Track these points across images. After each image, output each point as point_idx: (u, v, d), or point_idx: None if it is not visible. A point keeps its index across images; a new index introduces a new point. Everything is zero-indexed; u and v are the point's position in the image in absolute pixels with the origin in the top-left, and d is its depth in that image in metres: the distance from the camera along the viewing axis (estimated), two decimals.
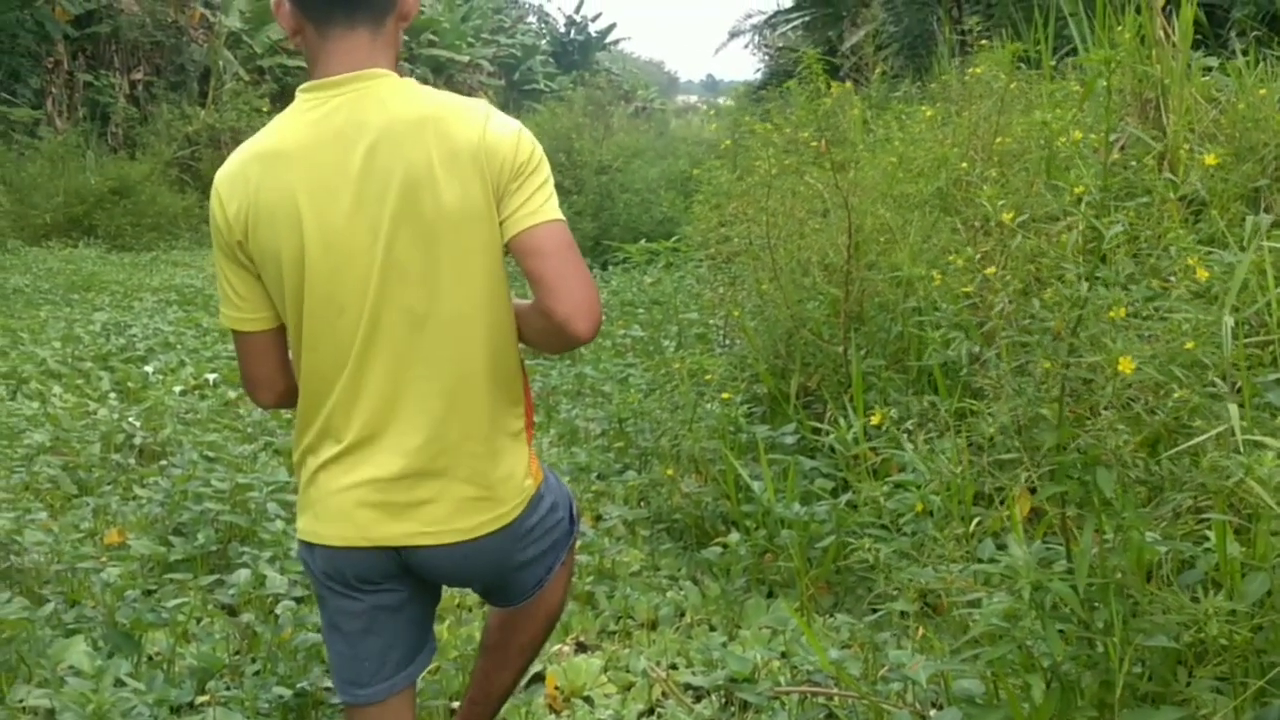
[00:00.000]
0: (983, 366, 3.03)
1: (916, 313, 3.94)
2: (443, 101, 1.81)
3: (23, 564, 3.59)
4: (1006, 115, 4.35)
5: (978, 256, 3.92)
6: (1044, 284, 3.34)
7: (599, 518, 4.24)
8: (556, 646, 3.25)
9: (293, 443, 1.96)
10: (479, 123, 1.78)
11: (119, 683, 2.70)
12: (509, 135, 1.79)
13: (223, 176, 1.83)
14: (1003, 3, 12.50)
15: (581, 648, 3.30)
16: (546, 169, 1.83)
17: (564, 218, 1.83)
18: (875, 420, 2.52)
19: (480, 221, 1.77)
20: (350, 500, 1.85)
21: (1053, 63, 5.12)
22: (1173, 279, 2.31)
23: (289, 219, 1.76)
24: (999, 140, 4.17)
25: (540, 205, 1.78)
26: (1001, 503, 3.11)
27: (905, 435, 2.95)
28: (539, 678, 3.03)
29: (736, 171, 5.11)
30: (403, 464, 1.83)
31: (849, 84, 4.95)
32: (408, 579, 1.94)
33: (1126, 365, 1.81)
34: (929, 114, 4.72)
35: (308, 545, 1.94)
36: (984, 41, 5.42)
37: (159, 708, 2.64)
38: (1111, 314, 1.86)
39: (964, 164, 4.05)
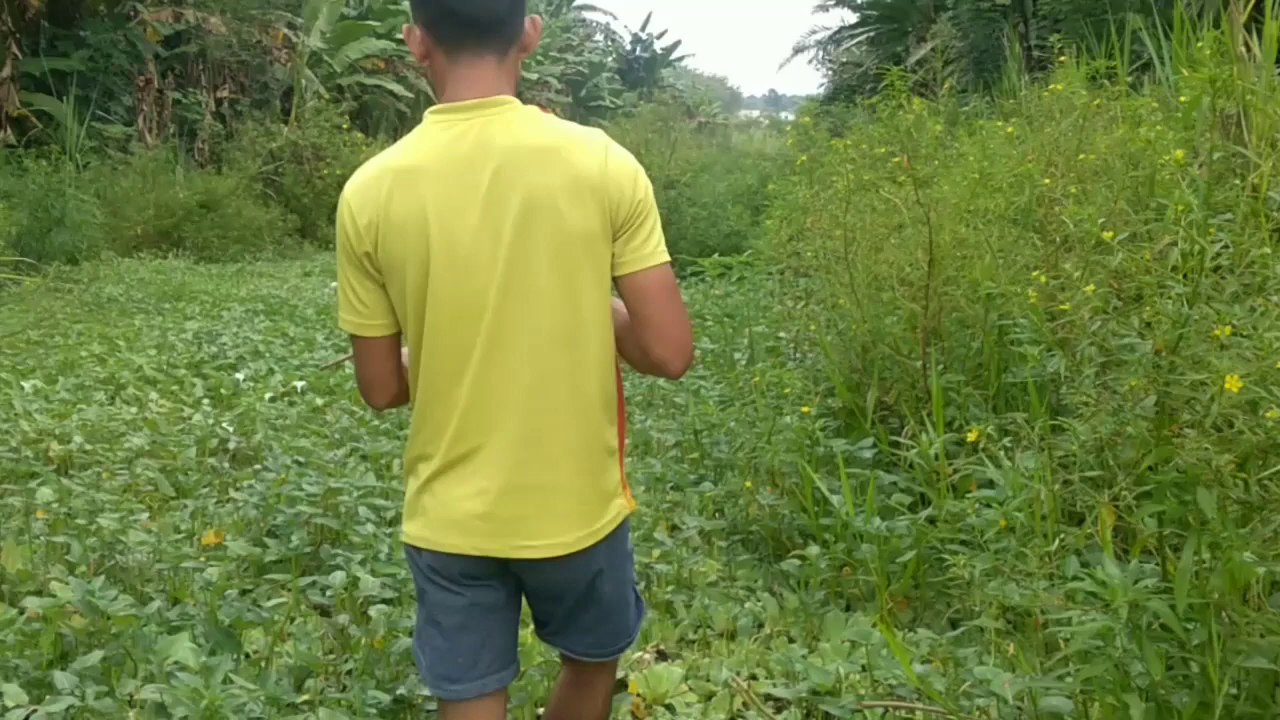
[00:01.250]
0: (1071, 383, 3.04)
1: (998, 329, 3.95)
2: (566, 131, 1.89)
3: (127, 563, 3.73)
4: (1088, 132, 4.35)
5: (1059, 274, 3.94)
6: (1126, 301, 3.34)
7: (675, 527, 4.30)
8: (638, 654, 3.32)
9: (406, 448, 2.04)
10: (600, 154, 1.86)
11: (226, 679, 2.79)
12: (629, 171, 1.88)
13: (353, 190, 1.91)
14: (1071, 18, 12.40)
15: (662, 655, 3.35)
16: (654, 208, 1.92)
17: (669, 258, 1.92)
18: (971, 437, 2.54)
19: (596, 246, 1.86)
20: (460, 511, 1.92)
21: (1129, 79, 5.11)
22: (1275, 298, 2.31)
23: (418, 232, 1.84)
24: (1081, 157, 4.17)
25: (652, 249, 1.88)
26: (1081, 521, 3.12)
27: (985, 452, 2.98)
28: (622, 684, 3.09)
29: (814, 187, 5.14)
30: (511, 477, 1.89)
31: (919, 100, 4.94)
32: (509, 579, 2.02)
33: (1234, 384, 1.82)
34: (1009, 130, 4.72)
35: (415, 548, 2.01)
36: (1062, 59, 5.40)
37: (270, 706, 2.72)
38: (1216, 332, 1.87)
39: (1046, 180, 4.05)
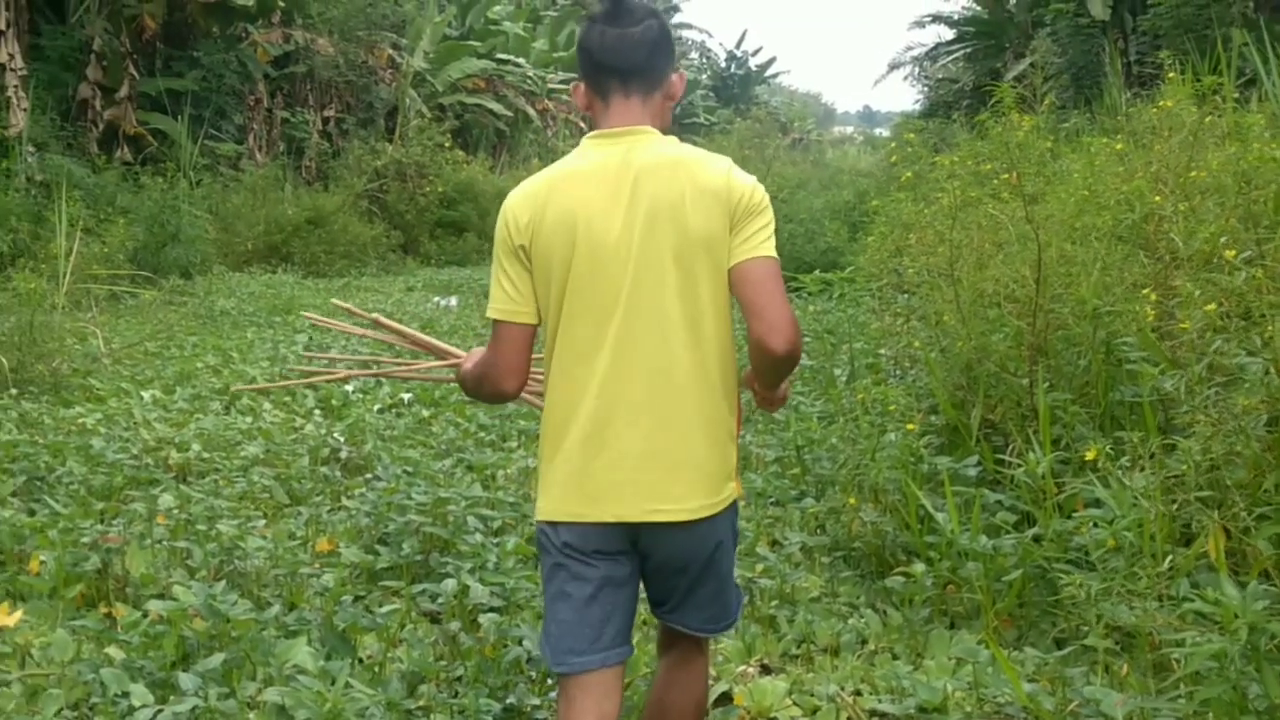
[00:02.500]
0: (1183, 402, 3.00)
1: (1106, 347, 3.91)
2: (694, 151, 2.25)
3: (245, 568, 3.86)
4: (1197, 149, 4.28)
5: (1169, 292, 3.89)
6: (1236, 320, 3.29)
7: (776, 543, 4.32)
8: (741, 667, 3.34)
9: (541, 432, 2.28)
10: (724, 169, 2.20)
11: (345, 684, 2.88)
12: (748, 182, 2.20)
13: (517, 194, 2.26)
14: (1172, 33, 12.15)
15: (766, 669, 3.37)
16: (770, 214, 2.19)
17: (777, 256, 2.17)
18: (1090, 455, 2.53)
19: (715, 245, 2.16)
20: (598, 481, 2.16)
21: (1234, 95, 5.01)
22: None
23: (567, 231, 2.17)
24: (1193, 174, 4.11)
25: (759, 243, 2.16)
26: (1189, 542, 3.08)
27: (1098, 471, 2.95)
28: (728, 697, 3.13)
29: (919, 204, 5.13)
30: (644, 446, 2.15)
31: (1029, 117, 4.90)
32: (634, 557, 2.23)
33: None
34: (1119, 148, 4.66)
35: (550, 524, 2.22)
36: (1170, 74, 5.32)
37: (389, 711, 2.80)
38: None
39: (1157, 198, 4.00)
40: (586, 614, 2.20)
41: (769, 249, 2.16)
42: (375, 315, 3.20)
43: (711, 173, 2.18)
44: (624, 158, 2.19)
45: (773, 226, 2.18)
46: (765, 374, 2.24)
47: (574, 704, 2.23)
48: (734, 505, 2.26)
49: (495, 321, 2.26)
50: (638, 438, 2.14)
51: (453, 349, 2.92)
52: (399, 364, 3.60)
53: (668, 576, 2.28)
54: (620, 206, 2.16)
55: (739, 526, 2.37)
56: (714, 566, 2.26)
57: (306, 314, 4.02)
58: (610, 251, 2.15)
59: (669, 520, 2.15)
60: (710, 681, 3.21)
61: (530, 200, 2.21)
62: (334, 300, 3.83)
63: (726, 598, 2.35)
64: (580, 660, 2.21)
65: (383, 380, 7.43)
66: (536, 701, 2.96)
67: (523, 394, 2.39)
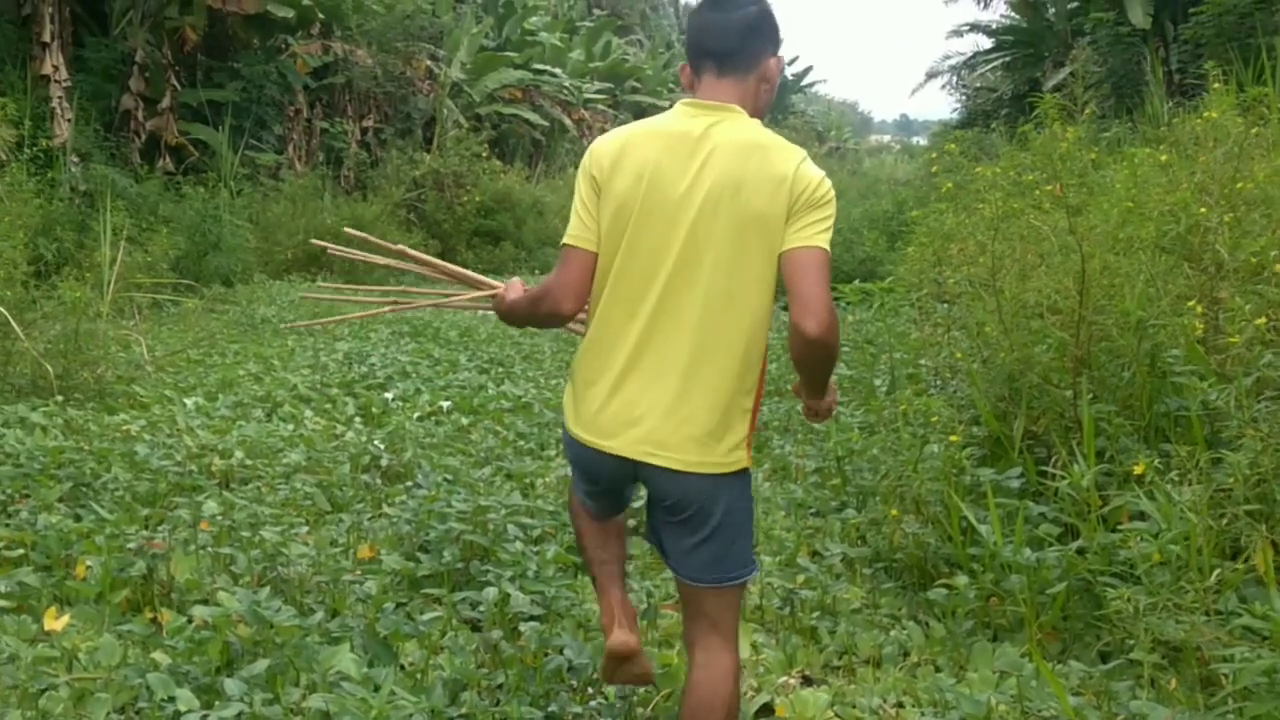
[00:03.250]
0: (1229, 415, 2.97)
1: (1151, 359, 3.87)
2: (773, 137, 2.38)
3: (288, 574, 3.89)
4: (1243, 159, 4.24)
5: (1214, 304, 3.85)
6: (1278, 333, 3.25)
7: (816, 553, 4.31)
8: (783, 679, 3.33)
9: (577, 357, 2.51)
10: (796, 159, 2.33)
11: (390, 692, 2.89)
12: (815, 175, 2.32)
13: (605, 138, 2.48)
14: (1213, 43, 12.03)
15: (807, 681, 3.36)
16: (831, 210, 2.32)
17: (827, 249, 2.29)
18: (1138, 470, 2.51)
19: (772, 228, 2.29)
20: (612, 416, 2.40)
21: None
22: None
23: (637, 178, 2.35)
24: (1239, 185, 4.06)
25: (814, 234, 2.28)
26: (1236, 555, 3.04)
27: (1147, 484, 2.92)
28: (769, 709, 3.12)
29: (960, 214, 5.11)
30: (658, 399, 2.36)
31: (1074, 128, 4.86)
32: (629, 485, 2.57)
33: None
34: (1164, 159, 4.62)
35: (571, 435, 2.51)
36: (1216, 84, 5.27)
37: (434, 718, 2.81)
38: None
39: (1202, 209, 3.96)
40: (585, 488, 2.66)
41: (822, 240, 2.28)
42: (400, 246, 3.14)
43: (782, 160, 2.31)
44: (706, 130, 2.35)
45: (831, 221, 2.31)
46: (801, 364, 2.37)
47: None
48: (742, 474, 2.44)
49: (565, 246, 2.45)
50: (657, 390, 2.36)
51: (486, 279, 2.96)
52: (434, 294, 3.48)
53: (664, 517, 2.50)
54: (689, 173, 2.32)
55: (752, 496, 2.53)
56: (705, 518, 2.43)
57: (318, 242, 3.76)
58: (670, 212, 2.33)
59: (661, 465, 2.37)
60: (751, 693, 3.21)
61: (614, 142, 2.43)
62: (348, 229, 3.69)
63: (719, 553, 2.46)
64: (584, 501, 2.72)
65: (421, 388, 7.49)
66: (578, 710, 2.97)
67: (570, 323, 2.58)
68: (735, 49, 2.40)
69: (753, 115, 2.41)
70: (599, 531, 2.79)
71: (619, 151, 2.39)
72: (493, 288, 2.86)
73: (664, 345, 2.35)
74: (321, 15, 19.02)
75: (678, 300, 2.34)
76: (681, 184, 2.32)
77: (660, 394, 2.36)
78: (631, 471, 2.45)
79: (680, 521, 2.46)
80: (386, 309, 3.54)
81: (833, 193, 2.33)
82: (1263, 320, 2.65)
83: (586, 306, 2.51)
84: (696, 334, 2.33)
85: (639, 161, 2.36)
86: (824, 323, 2.22)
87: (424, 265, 3.11)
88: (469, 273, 3.04)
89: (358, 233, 3.42)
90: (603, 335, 2.42)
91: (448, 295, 3.20)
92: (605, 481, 2.58)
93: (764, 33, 2.43)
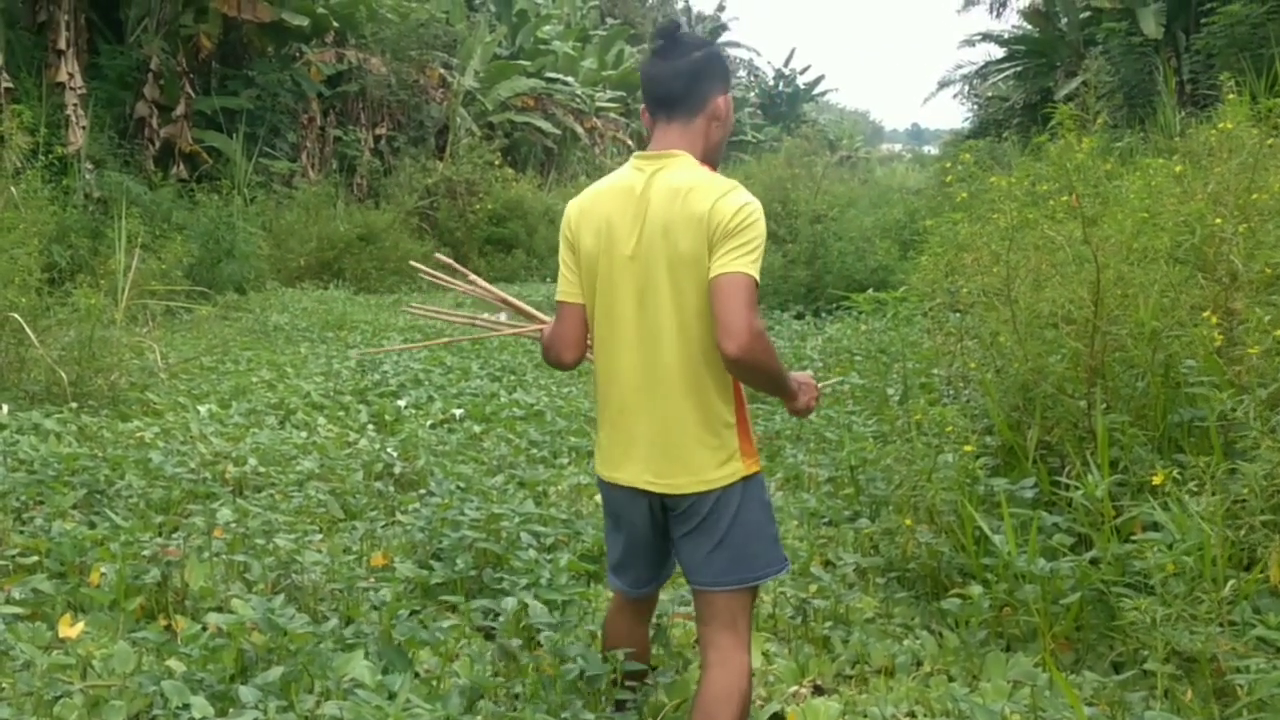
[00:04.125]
0: (1244, 425, 2.96)
1: (1165, 369, 3.86)
2: (700, 178, 2.53)
3: (301, 582, 3.89)
4: (1258, 171, 4.23)
5: (1229, 315, 3.84)
6: None
7: (829, 563, 4.30)
8: (794, 688, 3.33)
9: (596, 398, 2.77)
10: (714, 195, 2.48)
11: (405, 700, 2.89)
12: (733, 206, 2.46)
13: (573, 201, 2.73)
14: (1225, 52, 12.01)
15: (819, 690, 3.35)
16: (752, 235, 2.45)
17: (745, 271, 2.42)
18: (1157, 480, 2.51)
19: (700, 264, 2.48)
20: (616, 452, 2.66)
21: None
22: None
23: (597, 234, 2.61)
24: (1254, 196, 4.06)
25: (730, 260, 2.43)
26: (1250, 566, 3.03)
27: (1163, 495, 2.91)
28: (780, 718, 3.11)
29: (974, 223, 5.10)
30: (647, 433, 2.59)
31: (1089, 139, 4.86)
32: (652, 517, 2.68)
33: None
34: (1179, 170, 4.61)
35: (598, 477, 2.76)
36: (1230, 95, 5.26)
37: None
38: None
39: (1217, 220, 3.95)
40: (618, 554, 2.82)
41: (739, 265, 2.42)
42: (471, 275, 3.47)
43: (700, 199, 2.48)
44: (648, 180, 2.57)
45: (753, 246, 2.44)
46: (736, 377, 2.57)
47: (614, 601, 2.96)
48: (742, 484, 2.61)
49: (558, 302, 2.72)
50: (644, 425, 2.59)
51: (538, 313, 3.28)
52: (497, 324, 3.94)
53: (677, 531, 2.67)
54: (637, 224, 2.56)
55: (766, 498, 2.70)
56: (713, 528, 2.61)
57: (415, 264, 4.08)
58: (625, 262, 2.56)
59: (659, 492, 2.60)
60: (761, 701, 3.21)
61: (579, 204, 2.70)
62: (438, 255, 3.99)
63: (734, 558, 2.63)
64: (615, 583, 2.86)
65: (434, 396, 7.51)
66: (592, 718, 2.96)
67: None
68: (681, 95, 2.60)
69: (705, 152, 2.61)
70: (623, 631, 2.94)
71: (581, 213, 2.66)
72: (543, 322, 3.11)
73: (641, 381, 2.59)
74: (336, 23, 19.12)
75: (644, 340, 2.57)
76: (631, 236, 2.56)
77: (647, 426, 2.60)
78: (644, 503, 2.66)
79: (691, 531, 2.63)
80: (463, 338, 4.00)
81: (755, 218, 2.46)
82: None
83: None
84: (663, 369, 2.56)
85: (597, 219, 2.62)
86: (741, 345, 2.39)
87: (490, 294, 3.37)
88: (523, 305, 3.34)
89: (447, 260, 3.75)
90: (600, 377, 2.70)
91: (509, 325, 3.60)
92: (625, 521, 2.75)
93: (710, 75, 2.62)
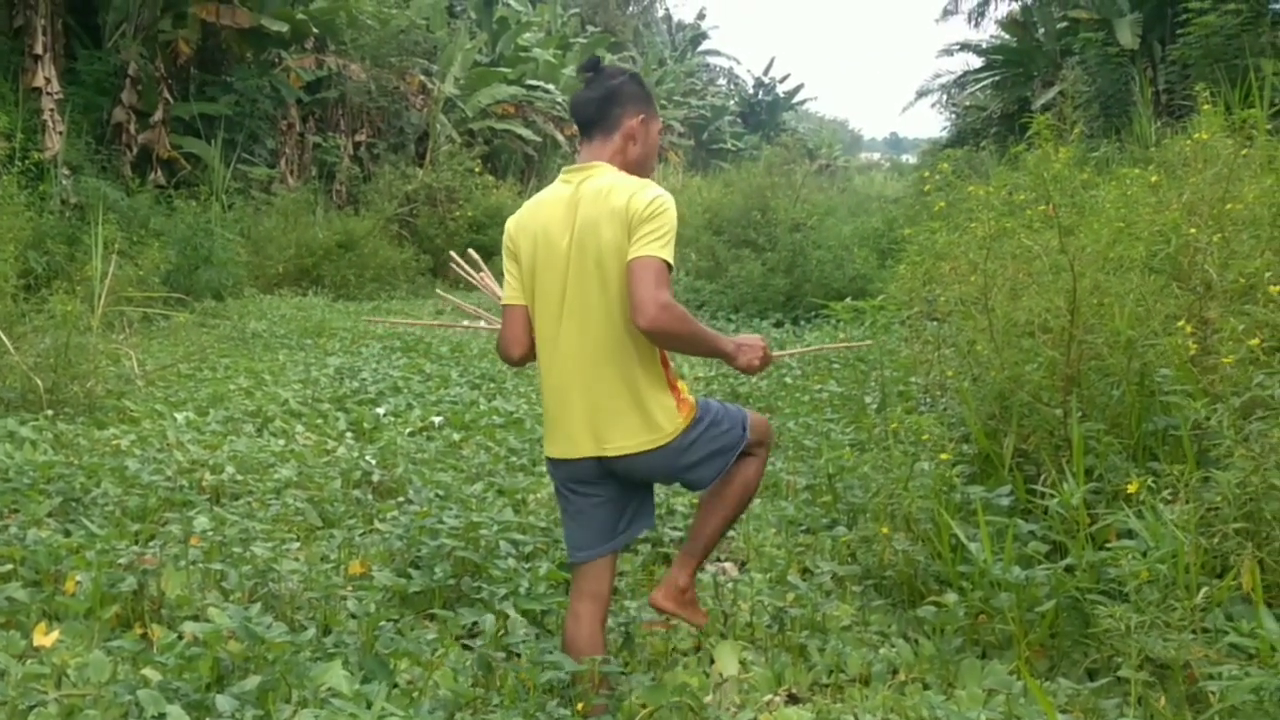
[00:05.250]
0: (1217, 434, 2.99)
1: (1140, 378, 3.89)
2: (619, 180, 2.92)
3: (279, 590, 3.87)
4: (1232, 181, 4.27)
5: (1203, 324, 3.87)
6: (1270, 353, 3.27)
7: (806, 570, 4.32)
8: (768, 697, 3.34)
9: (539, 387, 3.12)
10: (629, 192, 2.86)
11: (382, 709, 2.87)
12: (646, 198, 2.84)
13: (513, 217, 3.11)
14: (1201, 63, 12.14)
15: (793, 699, 3.36)
16: (662, 222, 2.82)
17: (654, 254, 2.78)
18: (1132, 489, 2.53)
19: (621, 250, 2.85)
20: (566, 429, 3.01)
21: (1268, 126, 5.00)
22: None
23: (533, 239, 3.00)
24: (1228, 206, 4.10)
25: (643, 245, 2.80)
26: (1223, 574, 3.06)
27: (1137, 503, 2.94)
28: None
29: (952, 233, 5.14)
30: (590, 405, 2.95)
31: (1066, 149, 4.90)
32: (609, 481, 3.06)
33: None
34: (1154, 180, 4.66)
35: (549, 460, 3.13)
36: (1205, 106, 5.31)
37: None
38: None
39: (1192, 229, 3.99)
40: (575, 525, 3.13)
41: (651, 249, 2.79)
42: (488, 277, 3.83)
43: (620, 194, 2.87)
44: (576, 188, 2.96)
45: (663, 231, 2.81)
46: (658, 346, 2.95)
47: (577, 584, 3.16)
48: (689, 427, 3.01)
49: (504, 305, 3.14)
50: (586, 399, 2.95)
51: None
52: (477, 327, 4.23)
53: (654, 480, 3.16)
54: (568, 226, 2.94)
55: (708, 418, 3.07)
56: (683, 465, 3.04)
57: (453, 257, 4.32)
58: (559, 260, 2.94)
59: (616, 454, 2.96)
60: (734, 709, 3.23)
61: (518, 219, 3.09)
62: (470, 251, 4.23)
63: (708, 466, 3.08)
64: (577, 555, 3.13)
65: (413, 403, 7.49)
66: (567, 713, 2.97)
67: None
68: (595, 117, 3.03)
69: (625, 167, 2.99)
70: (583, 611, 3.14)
71: (519, 225, 3.06)
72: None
73: (578, 362, 2.96)
74: (315, 29, 19.05)
75: (576, 329, 2.94)
76: (563, 239, 2.94)
77: (589, 400, 2.96)
78: (602, 473, 3.04)
79: (672, 477, 3.13)
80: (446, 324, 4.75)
81: (665, 208, 2.83)
82: (1256, 341, 2.67)
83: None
84: (595, 348, 2.94)
85: (533, 227, 3.01)
86: (649, 317, 2.75)
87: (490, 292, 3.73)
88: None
89: (476, 256, 4.05)
90: (542, 365, 3.07)
91: (486, 326, 3.95)
92: (582, 488, 3.08)
93: (622, 101, 3.02)
